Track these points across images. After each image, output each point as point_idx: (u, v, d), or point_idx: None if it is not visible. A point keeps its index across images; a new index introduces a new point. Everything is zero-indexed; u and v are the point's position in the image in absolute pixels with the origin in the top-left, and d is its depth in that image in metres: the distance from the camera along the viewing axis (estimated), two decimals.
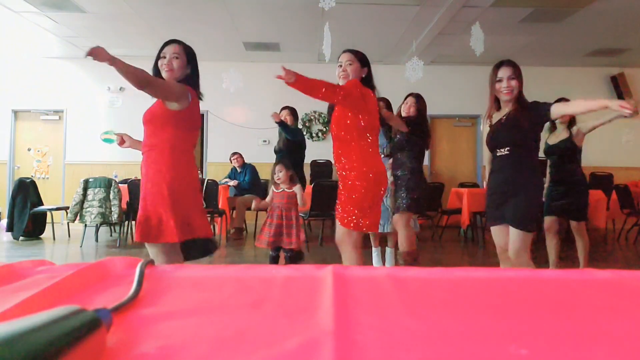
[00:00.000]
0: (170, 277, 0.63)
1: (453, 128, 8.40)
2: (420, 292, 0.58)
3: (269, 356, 0.39)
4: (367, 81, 2.56)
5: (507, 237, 2.52)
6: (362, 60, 2.54)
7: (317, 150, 7.35)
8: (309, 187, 5.32)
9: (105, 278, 0.62)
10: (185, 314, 0.49)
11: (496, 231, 2.60)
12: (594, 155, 6.95)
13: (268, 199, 3.74)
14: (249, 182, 6.41)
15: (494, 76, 2.55)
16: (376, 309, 0.51)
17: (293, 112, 4.76)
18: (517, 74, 2.51)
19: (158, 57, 2.32)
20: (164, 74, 2.29)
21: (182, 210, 2.24)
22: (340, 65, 2.51)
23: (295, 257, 3.72)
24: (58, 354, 0.31)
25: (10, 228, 6.03)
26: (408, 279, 0.62)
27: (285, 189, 3.66)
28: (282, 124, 4.38)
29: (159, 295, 0.55)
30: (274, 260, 3.70)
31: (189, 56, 2.34)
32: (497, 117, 2.61)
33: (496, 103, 2.62)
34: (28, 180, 6.34)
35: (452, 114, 8.23)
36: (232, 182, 6.44)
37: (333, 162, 2.66)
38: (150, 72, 2.28)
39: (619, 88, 8.01)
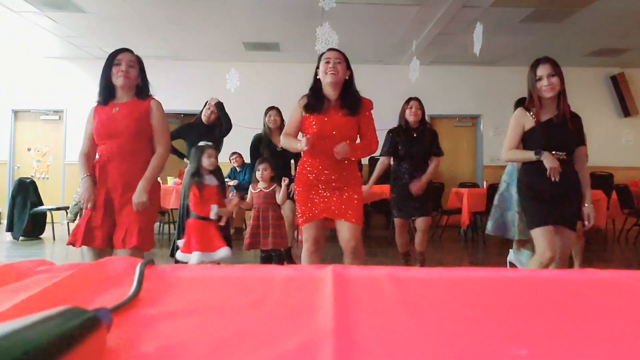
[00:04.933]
0: (170, 277, 0.63)
1: (453, 128, 8.39)
2: (420, 292, 0.58)
3: (269, 356, 0.39)
4: (349, 84, 2.54)
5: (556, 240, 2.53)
6: (347, 62, 2.53)
7: None
8: None
9: (105, 278, 0.62)
10: (185, 314, 0.49)
11: (551, 233, 2.50)
12: (594, 155, 6.93)
13: (248, 199, 3.73)
14: (249, 182, 6.40)
15: (533, 75, 2.50)
16: (376, 309, 0.51)
17: (280, 112, 4.35)
18: (557, 71, 2.45)
19: (111, 64, 2.34)
20: (119, 80, 2.32)
21: None
22: (328, 62, 2.46)
23: (282, 258, 3.69)
24: (58, 354, 0.31)
25: (10, 228, 6.03)
26: (408, 279, 0.62)
27: (263, 189, 3.65)
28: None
29: (159, 295, 0.55)
30: (265, 260, 3.68)
31: (141, 66, 2.43)
32: (543, 115, 2.53)
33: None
34: (28, 180, 6.34)
35: (453, 114, 8.23)
36: (232, 182, 6.44)
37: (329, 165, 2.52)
38: (100, 78, 2.36)
39: (619, 88, 8.01)
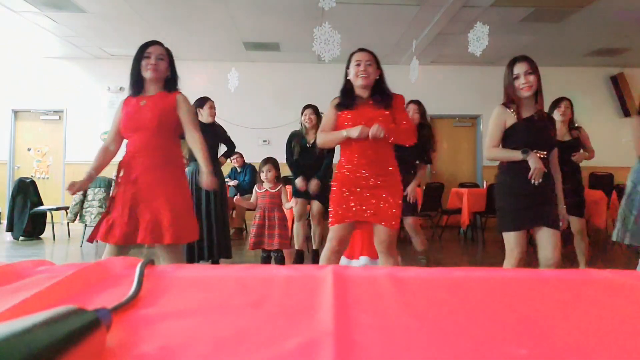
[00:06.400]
0: (170, 277, 0.63)
1: (453, 128, 8.39)
2: (420, 292, 0.58)
3: (269, 356, 0.39)
4: (380, 83, 2.52)
5: (526, 242, 2.50)
6: (378, 62, 2.53)
7: None
8: None
9: (105, 278, 0.62)
10: (185, 314, 0.49)
11: (523, 235, 2.48)
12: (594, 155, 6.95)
13: (252, 199, 3.74)
14: (249, 182, 6.41)
15: (509, 73, 2.46)
16: (376, 309, 0.51)
17: (316, 111, 4.34)
18: (533, 69, 2.42)
19: (140, 56, 2.34)
20: (147, 74, 2.32)
21: None
22: (359, 64, 2.46)
23: (283, 258, 3.70)
24: (58, 354, 0.31)
25: (10, 228, 6.03)
26: (408, 279, 0.62)
27: (269, 189, 3.65)
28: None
29: (159, 295, 0.55)
30: (266, 260, 3.69)
31: (171, 59, 2.42)
32: (523, 114, 2.49)
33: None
34: (28, 180, 6.34)
35: (452, 114, 8.23)
36: (232, 182, 6.44)
37: (366, 165, 2.45)
38: (131, 71, 2.38)
39: (618, 88, 8.02)
